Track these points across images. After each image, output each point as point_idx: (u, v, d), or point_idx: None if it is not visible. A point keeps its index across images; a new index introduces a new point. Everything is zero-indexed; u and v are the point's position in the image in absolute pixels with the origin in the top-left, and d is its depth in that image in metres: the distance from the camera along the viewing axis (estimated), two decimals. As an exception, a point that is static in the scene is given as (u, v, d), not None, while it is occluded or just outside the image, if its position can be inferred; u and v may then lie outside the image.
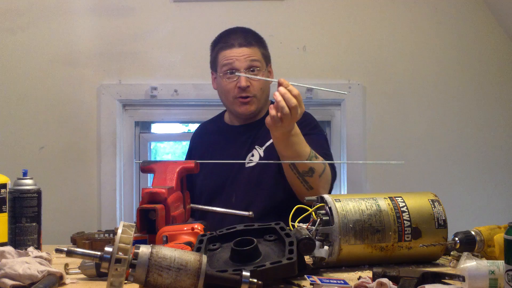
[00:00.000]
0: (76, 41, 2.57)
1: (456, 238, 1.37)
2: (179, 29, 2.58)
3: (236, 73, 1.96)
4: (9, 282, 1.17)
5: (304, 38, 2.56)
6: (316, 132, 2.04)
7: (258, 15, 2.56)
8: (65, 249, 1.06)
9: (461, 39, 2.60)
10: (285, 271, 1.17)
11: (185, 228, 1.40)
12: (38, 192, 1.51)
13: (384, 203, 1.40)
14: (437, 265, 1.43)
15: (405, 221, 1.39)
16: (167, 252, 1.06)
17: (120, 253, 1.03)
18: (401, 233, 1.38)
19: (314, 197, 1.47)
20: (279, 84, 1.66)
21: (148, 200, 1.51)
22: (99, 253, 1.05)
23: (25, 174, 1.52)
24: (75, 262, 1.31)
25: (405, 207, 1.40)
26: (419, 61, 2.60)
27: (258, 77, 1.98)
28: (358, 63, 2.59)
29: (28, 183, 1.51)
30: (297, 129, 1.75)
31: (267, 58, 2.08)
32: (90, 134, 2.57)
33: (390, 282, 1.10)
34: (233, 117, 2.13)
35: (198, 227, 1.40)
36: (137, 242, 1.28)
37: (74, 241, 1.71)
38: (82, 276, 1.29)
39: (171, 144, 2.88)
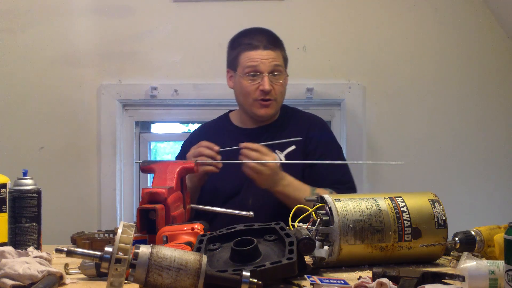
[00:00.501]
0: (76, 41, 2.57)
1: (456, 238, 1.37)
2: (179, 29, 2.58)
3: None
4: (9, 282, 1.17)
5: (304, 38, 2.56)
6: (330, 150, 2.08)
7: (258, 15, 2.56)
8: (65, 249, 1.06)
9: (461, 39, 2.60)
10: (285, 271, 1.17)
11: (185, 228, 1.40)
12: (38, 192, 1.51)
13: (384, 203, 1.40)
14: (437, 265, 1.43)
15: (405, 221, 1.39)
16: (167, 252, 1.06)
17: (120, 253, 1.03)
18: (401, 233, 1.38)
19: (314, 197, 1.47)
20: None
21: (148, 200, 1.51)
22: (99, 253, 1.05)
23: (25, 174, 1.52)
24: (75, 262, 1.31)
25: (405, 207, 1.41)
26: (419, 61, 2.60)
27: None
28: (358, 63, 2.59)
29: (28, 183, 1.50)
30: (287, 180, 1.88)
31: (286, 61, 2.10)
32: (90, 134, 2.57)
33: (390, 282, 1.10)
34: (246, 119, 2.13)
35: (198, 227, 1.40)
36: (137, 242, 1.28)
37: (74, 241, 1.71)
38: (82, 276, 1.29)
39: (171, 144, 2.88)
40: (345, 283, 1.16)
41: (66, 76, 2.56)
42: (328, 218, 1.37)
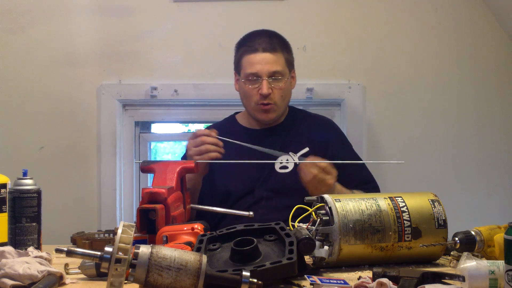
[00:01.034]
0: (76, 41, 2.57)
1: (456, 238, 1.37)
2: (179, 29, 2.58)
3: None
4: (9, 282, 1.17)
5: (304, 38, 2.56)
6: (349, 151, 2.11)
7: (258, 15, 2.56)
8: (65, 249, 1.06)
9: (461, 39, 2.60)
10: (285, 271, 1.17)
11: (185, 228, 1.40)
12: (38, 192, 1.51)
13: (384, 203, 1.40)
14: (437, 265, 1.43)
15: (405, 221, 1.39)
16: (167, 252, 1.06)
17: (120, 253, 1.03)
18: (401, 233, 1.38)
19: (314, 197, 1.47)
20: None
21: (148, 200, 1.51)
22: (99, 253, 1.05)
23: (25, 174, 1.52)
24: (75, 262, 1.31)
25: (405, 207, 1.41)
26: (419, 61, 2.60)
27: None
28: (358, 63, 2.59)
29: (28, 183, 1.50)
30: (337, 188, 1.88)
31: (290, 64, 2.08)
32: (90, 134, 2.57)
33: (390, 282, 1.10)
34: (253, 120, 2.12)
35: (198, 227, 1.40)
36: (137, 242, 1.28)
37: (74, 241, 1.71)
38: (82, 276, 1.29)
39: (171, 144, 2.88)
40: (345, 283, 1.16)
41: (66, 76, 2.56)
42: (328, 218, 1.37)
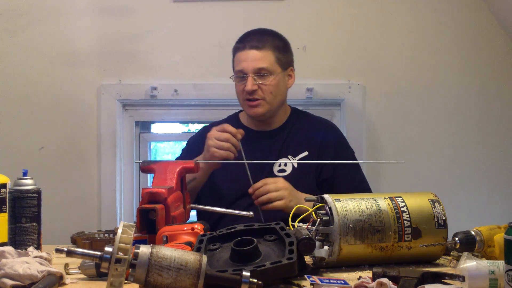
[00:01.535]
0: (76, 41, 2.57)
1: (456, 238, 1.37)
2: (179, 29, 2.58)
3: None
4: (9, 282, 1.17)
5: (304, 38, 2.56)
6: (346, 156, 2.06)
7: (258, 15, 2.56)
8: (65, 249, 1.06)
9: (461, 39, 2.60)
10: (285, 271, 1.17)
11: (185, 228, 1.40)
12: (38, 192, 1.51)
13: (384, 203, 1.40)
14: (437, 265, 1.43)
15: (405, 221, 1.39)
16: (167, 252, 1.06)
17: (120, 253, 1.03)
18: (401, 233, 1.38)
19: (314, 197, 1.47)
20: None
21: (148, 200, 1.51)
22: (99, 253, 1.05)
23: (25, 174, 1.52)
24: (75, 262, 1.31)
25: (405, 207, 1.40)
26: (419, 61, 2.60)
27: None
28: (358, 63, 2.59)
29: (28, 183, 1.50)
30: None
31: (283, 62, 2.05)
32: (90, 134, 2.57)
33: (390, 282, 1.10)
34: (250, 120, 2.13)
35: (198, 227, 1.40)
36: (137, 242, 1.28)
37: (74, 241, 1.71)
38: (82, 276, 1.29)
39: (171, 144, 2.89)
40: (345, 283, 1.16)
41: (66, 76, 2.56)
42: (328, 218, 1.37)
